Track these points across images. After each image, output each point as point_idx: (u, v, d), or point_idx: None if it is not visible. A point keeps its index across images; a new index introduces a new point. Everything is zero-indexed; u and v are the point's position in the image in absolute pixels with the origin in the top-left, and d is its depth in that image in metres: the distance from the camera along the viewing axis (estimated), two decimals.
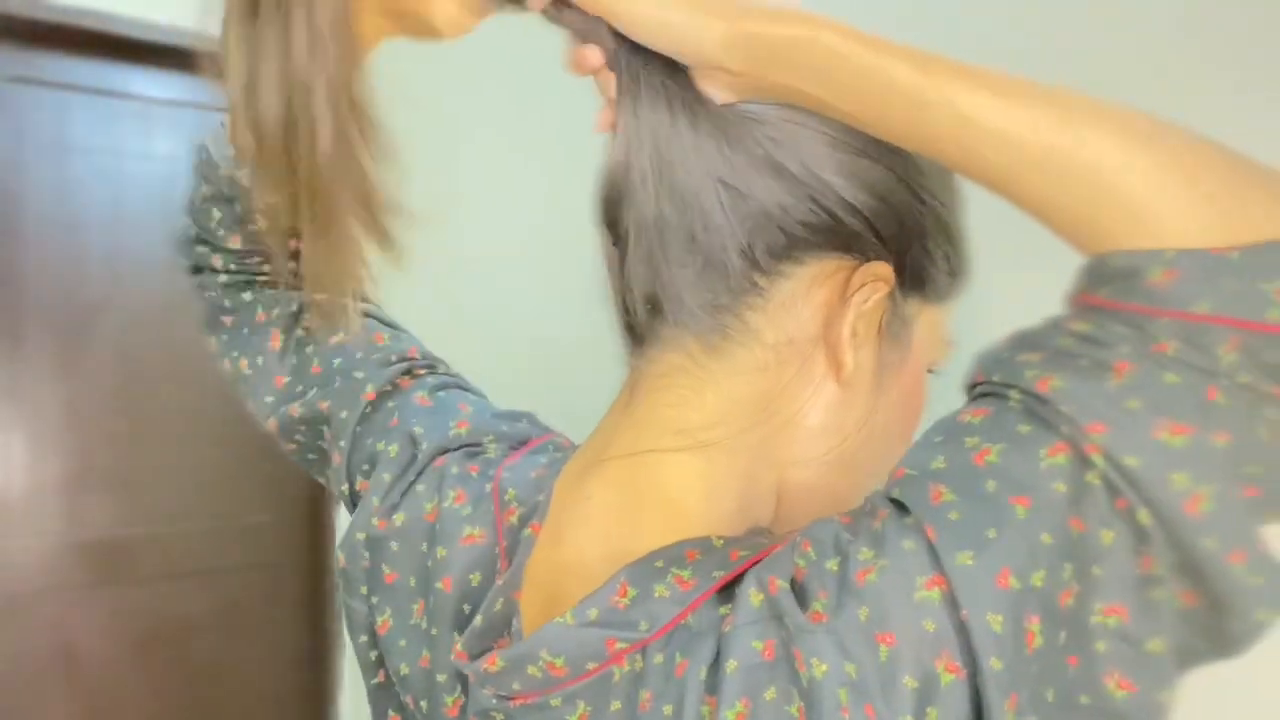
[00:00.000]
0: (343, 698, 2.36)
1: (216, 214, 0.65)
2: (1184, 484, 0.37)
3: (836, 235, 0.47)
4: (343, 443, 0.61)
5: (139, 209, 2.24)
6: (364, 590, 0.58)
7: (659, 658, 0.43)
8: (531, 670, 0.46)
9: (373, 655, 0.59)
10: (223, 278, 0.66)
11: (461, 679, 0.52)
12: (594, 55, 0.48)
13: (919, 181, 0.49)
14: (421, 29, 0.51)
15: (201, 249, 0.67)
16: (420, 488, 0.58)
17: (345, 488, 0.62)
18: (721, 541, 0.47)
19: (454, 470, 0.57)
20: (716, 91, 0.46)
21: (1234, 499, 0.37)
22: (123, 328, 2.20)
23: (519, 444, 0.60)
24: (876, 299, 0.48)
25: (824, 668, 0.39)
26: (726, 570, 0.44)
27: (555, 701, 0.46)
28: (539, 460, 0.57)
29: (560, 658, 0.45)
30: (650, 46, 0.46)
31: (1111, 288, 0.40)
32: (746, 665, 0.41)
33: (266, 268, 0.65)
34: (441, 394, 0.63)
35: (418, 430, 0.59)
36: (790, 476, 0.50)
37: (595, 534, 0.49)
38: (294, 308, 0.65)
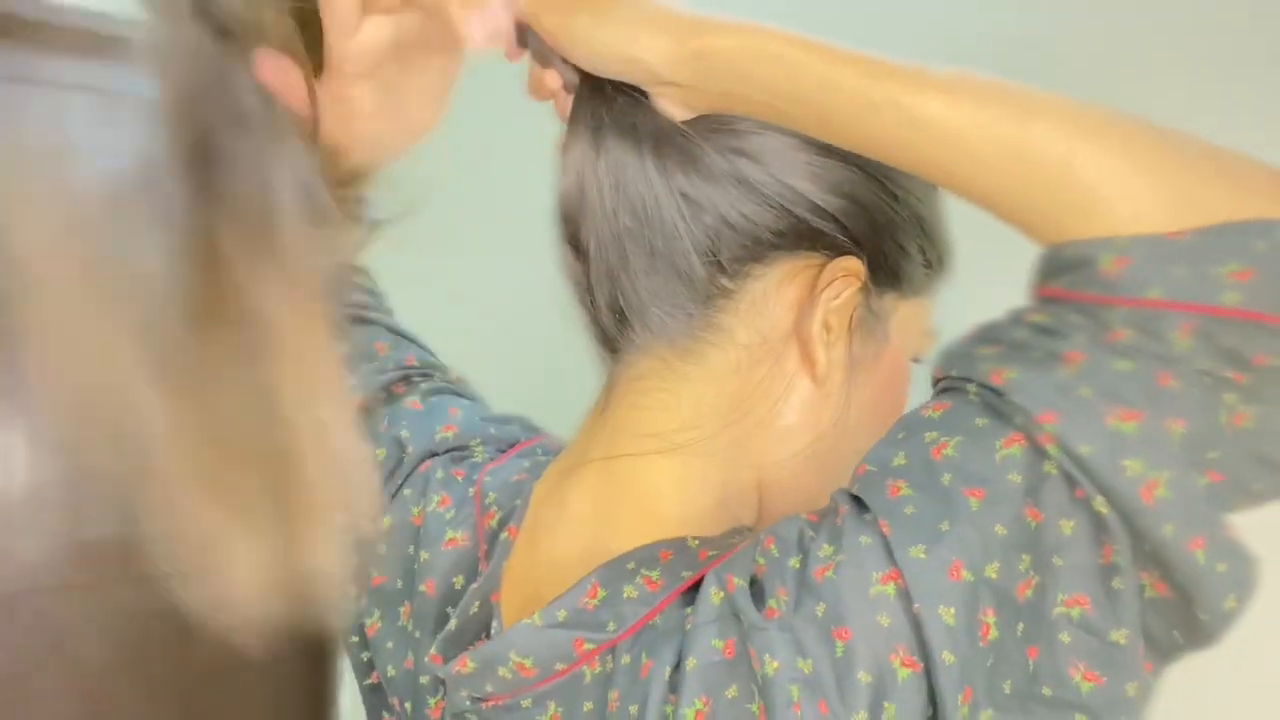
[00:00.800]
0: (343, 698, 2.36)
1: None
2: (1138, 470, 0.36)
3: (804, 236, 0.48)
4: None
5: None
6: (353, 593, 0.59)
7: (626, 658, 0.43)
8: (502, 672, 0.46)
9: (364, 657, 0.60)
10: None
11: (442, 681, 0.52)
12: (551, 79, 0.49)
13: (891, 176, 0.49)
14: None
15: None
16: (407, 492, 0.58)
17: None
18: (696, 542, 0.46)
19: (439, 474, 0.58)
20: (673, 109, 0.46)
21: (1193, 485, 0.37)
22: None
23: (507, 447, 0.60)
24: (847, 294, 0.48)
25: (775, 664, 0.39)
26: (694, 570, 0.44)
27: (526, 703, 0.46)
28: (522, 464, 0.58)
29: (529, 658, 0.45)
30: (601, 74, 0.46)
31: (1067, 278, 0.40)
32: (705, 663, 0.40)
33: None
34: (434, 398, 0.63)
35: (405, 434, 0.60)
36: (769, 476, 0.50)
37: (571, 538, 0.50)
38: None
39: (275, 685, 2.38)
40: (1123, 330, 0.37)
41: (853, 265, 0.47)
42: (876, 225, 0.48)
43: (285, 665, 2.39)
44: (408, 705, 0.55)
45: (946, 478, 0.39)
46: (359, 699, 0.61)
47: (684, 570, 0.44)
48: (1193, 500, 0.37)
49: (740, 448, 0.49)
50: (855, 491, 0.42)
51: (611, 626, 0.44)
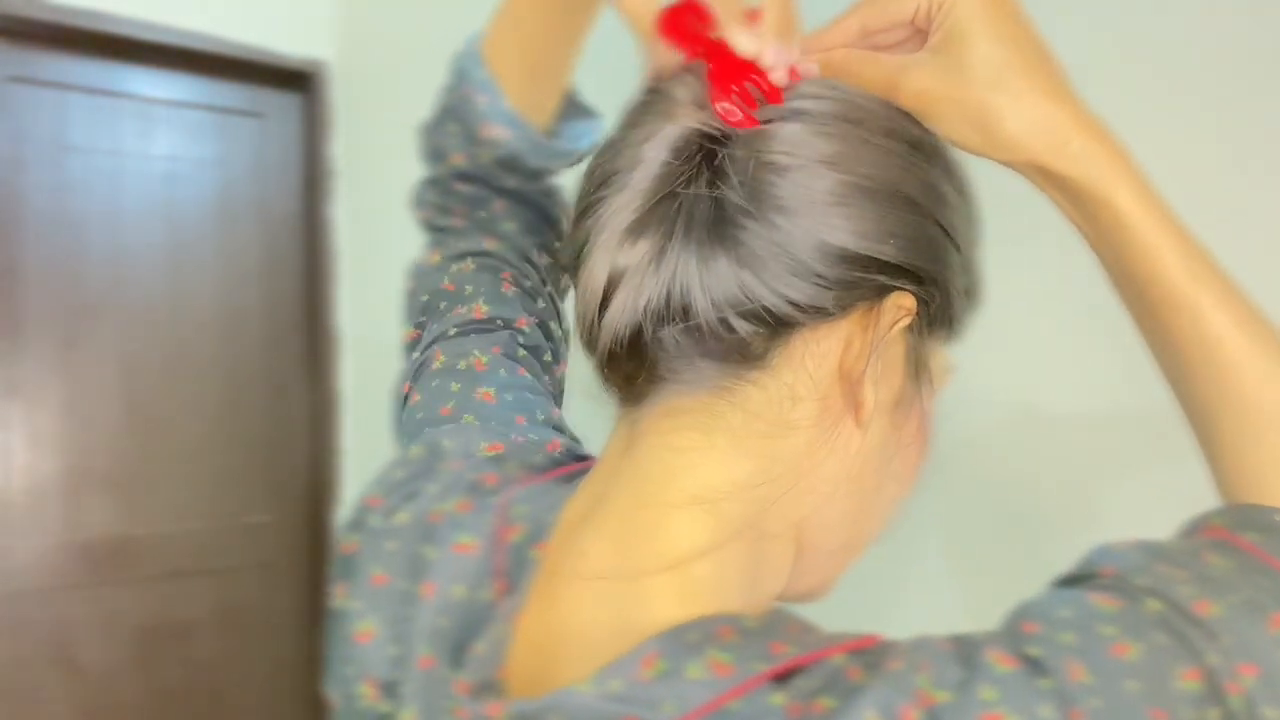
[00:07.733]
0: None
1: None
2: None
3: (868, 292, 0.44)
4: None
5: (139, 209, 2.24)
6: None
7: None
8: None
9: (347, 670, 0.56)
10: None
11: (421, 692, 0.48)
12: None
13: (948, 219, 0.46)
14: None
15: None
16: (432, 489, 0.55)
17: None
18: (755, 623, 0.43)
19: (469, 476, 0.55)
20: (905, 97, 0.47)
21: None
22: (123, 327, 2.21)
23: (551, 467, 0.57)
24: (898, 331, 0.45)
25: None
26: (770, 664, 0.41)
27: None
28: (563, 491, 0.53)
29: None
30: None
31: (1262, 537, 0.43)
32: None
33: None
34: (509, 397, 0.60)
35: (447, 445, 0.57)
36: (808, 530, 0.47)
37: (593, 595, 0.46)
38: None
39: (275, 685, 2.38)
40: None
41: (906, 301, 0.44)
42: (935, 269, 0.45)
43: (285, 665, 2.39)
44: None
45: (1132, 685, 0.38)
46: None
47: (756, 662, 0.41)
48: None
49: (781, 499, 0.46)
50: (1031, 652, 0.40)
51: (669, 707, 0.40)
